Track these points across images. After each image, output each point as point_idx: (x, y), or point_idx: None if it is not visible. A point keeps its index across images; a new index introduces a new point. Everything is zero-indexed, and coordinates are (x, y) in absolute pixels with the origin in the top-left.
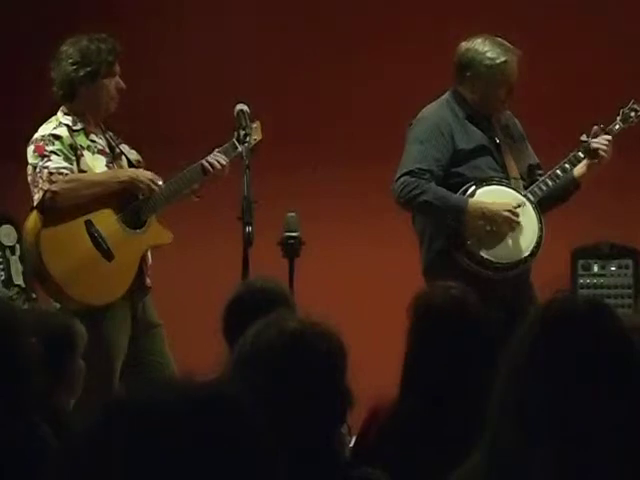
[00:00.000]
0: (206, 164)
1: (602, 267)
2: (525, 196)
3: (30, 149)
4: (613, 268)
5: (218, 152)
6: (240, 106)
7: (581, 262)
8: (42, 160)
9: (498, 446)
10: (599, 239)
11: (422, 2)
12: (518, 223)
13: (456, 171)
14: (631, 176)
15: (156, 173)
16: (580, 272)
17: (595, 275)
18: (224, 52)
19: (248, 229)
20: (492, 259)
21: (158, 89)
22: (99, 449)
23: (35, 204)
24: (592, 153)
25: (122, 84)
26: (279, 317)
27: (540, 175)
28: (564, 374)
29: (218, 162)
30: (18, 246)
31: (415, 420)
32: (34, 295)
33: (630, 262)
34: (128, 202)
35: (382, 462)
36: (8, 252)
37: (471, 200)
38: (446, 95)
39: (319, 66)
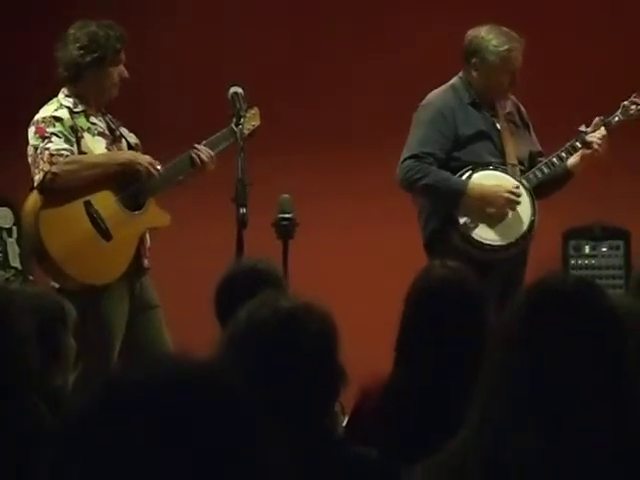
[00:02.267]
0: (194, 156)
1: (593, 248)
2: (520, 182)
3: (31, 130)
4: (604, 249)
5: (205, 144)
6: (234, 89)
7: (572, 243)
8: (43, 142)
9: (486, 422)
10: (590, 220)
11: None
12: (519, 203)
13: (456, 155)
14: (622, 158)
15: (154, 158)
16: (571, 253)
17: (586, 256)
18: (217, 41)
19: (242, 211)
20: (483, 240)
21: (154, 77)
22: (94, 425)
23: (35, 185)
24: (588, 144)
25: (126, 73)
26: (272, 297)
27: (540, 162)
28: (552, 352)
29: (206, 155)
30: (15, 228)
31: (410, 396)
32: (31, 277)
33: (621, 243)
34: (127, 184)
35: (375, 441)
36: (5, 234)
37: (470, 182)
38: (453, 80)
39: (313, 51)
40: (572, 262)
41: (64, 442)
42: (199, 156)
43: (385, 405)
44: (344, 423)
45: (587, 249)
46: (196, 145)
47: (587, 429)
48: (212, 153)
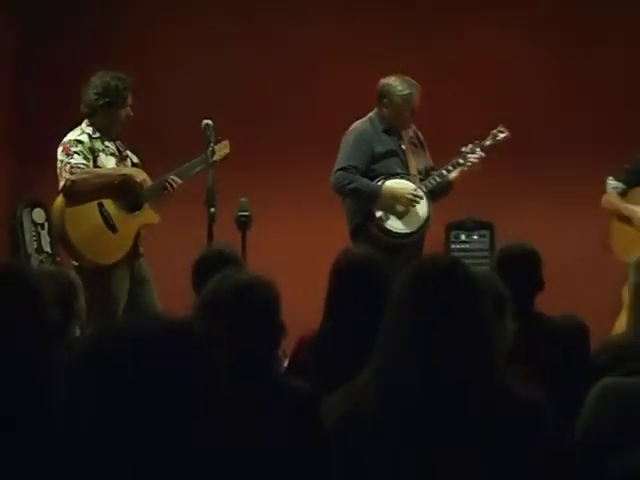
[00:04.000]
0: (167, 183)
1: (467, 236)
2: (419, 187)
3: (60, 149)
4: (475, 237)
5: (177, 172)
6: (206, 121)
7: (452, 233)
8: (67, 157)
9: (382, 363)
10: (465, 216)
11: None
12: (418, 202)
13: (373, 167)
14: (488, 168)
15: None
16: (452, 240)
17: (462, 242)
18: (192, 79)
19: (212, 210)
20: (393, 229)
21: (147, 110)
22: (91, 361)
23: (60, 189)
24: (467, 162)
25: (131, 113)
26: (233, 272)
27: (433, 173)
28: (431, 310)
29: (174, 182)
30: (46, 224)
31: (333, 343)
32: (58, 258)
33: (487, 232)
34: (127, 192)
35: (307, 375)
36: (39, 228)
37: (383, 187)
38: (371, 113)
39: (270, 87)
40: (452, 247)
41: (73, 369)
42: (169, 182)
43: (315, 350)
44: (285, 364)
45: (462, 237)
46: (169, 176)
47: (459, 368)
48: (179, 180)
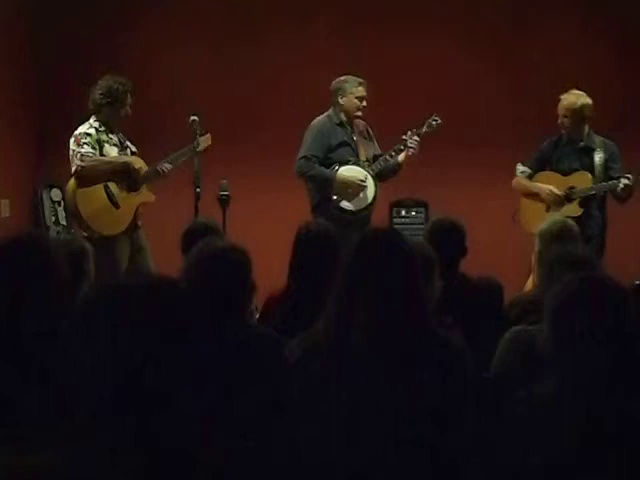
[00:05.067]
0: (160, 169)
1: (407, 213)
2: (368, 172)
3: (72, 140)
4: (413, 213)
5: (169, 159)
6: (192, 117)
7: (395, 210)
8: (78, 147)
9: (332, 315)
10: (405, 196)
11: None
12: (367, 185)
13: (329, 156)
14: (424, 155)
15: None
16: (394, 216)
17: (403, 217)
18: (183, 80)
19: (197, 190)
20: (347, 207)
21: (146, 108)
22: (90, 312)
23: (72, 174)
24: (408, 147)
25: (129, 111)
26: (213, 241)
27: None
28: (372, 272)
29: (166, 168)
30: (62, 201)
31: (296, 298)
32: (72, 230)
33: (423, 210)
34: (127, 176)
35: (274, 324)
36: (56, 205)
37: (337, 173)
38: (329, 111)
39: (245, 90)
40: (394, 221)
41: (80, 312)
42: (162, 168)
43: (281, 304)
44: (257, 316)
45: (403, 213)
46: (161, 165)
47: (396, 317)
48: (170, 167)
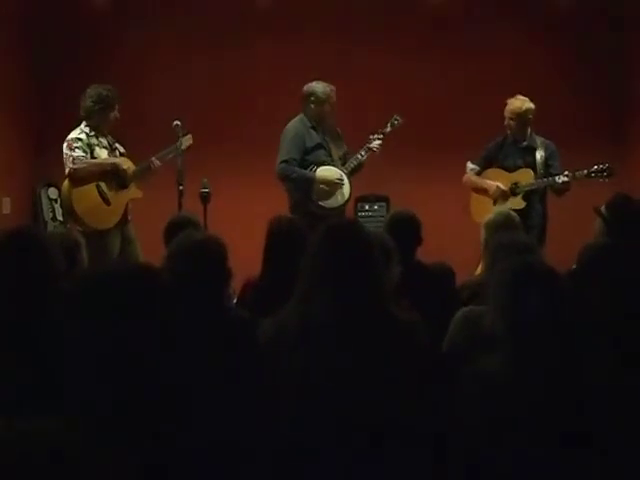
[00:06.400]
0: (151, 164)
1: (370, 207)
2: (343, 171)
3: (65, 145)
4: (375, 207)
5: (158, 156)
6: (175, 122)
7: (359, 204)
8: (70, 151)
9: (299, 297)
10: (368, 191)
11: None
12: (343, 185)
13: (306, 158)
14: (386, 154)
15: (133, 160)
16: (359, 209)
17: (366, 211)
18: (167, 89)
19: (180, 187)
20: (325, 205)
21: (132, 111)
22: (74, 296)
23: (66, 175)
24: (373, 146)
25: (118, 115)
26: (193, 233)
27: (348, 159)
28: (335, 261)
29: (155, 164)
30: (58, 199)
31: (268, 283)
32: (68, 225)
33: (384, 204)
34: (115, 176)
35: (250, 307)
36: (53, 202)
37: (316, 174)
38: (300, 115)
39: (222, 96)
40: (359, 214)
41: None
42: (153, 162)
43: (256, 289)
44: (234, 300)
45: (366, 207)
46: (152, 158)
47: (357, 300)
48: (159, 162)
